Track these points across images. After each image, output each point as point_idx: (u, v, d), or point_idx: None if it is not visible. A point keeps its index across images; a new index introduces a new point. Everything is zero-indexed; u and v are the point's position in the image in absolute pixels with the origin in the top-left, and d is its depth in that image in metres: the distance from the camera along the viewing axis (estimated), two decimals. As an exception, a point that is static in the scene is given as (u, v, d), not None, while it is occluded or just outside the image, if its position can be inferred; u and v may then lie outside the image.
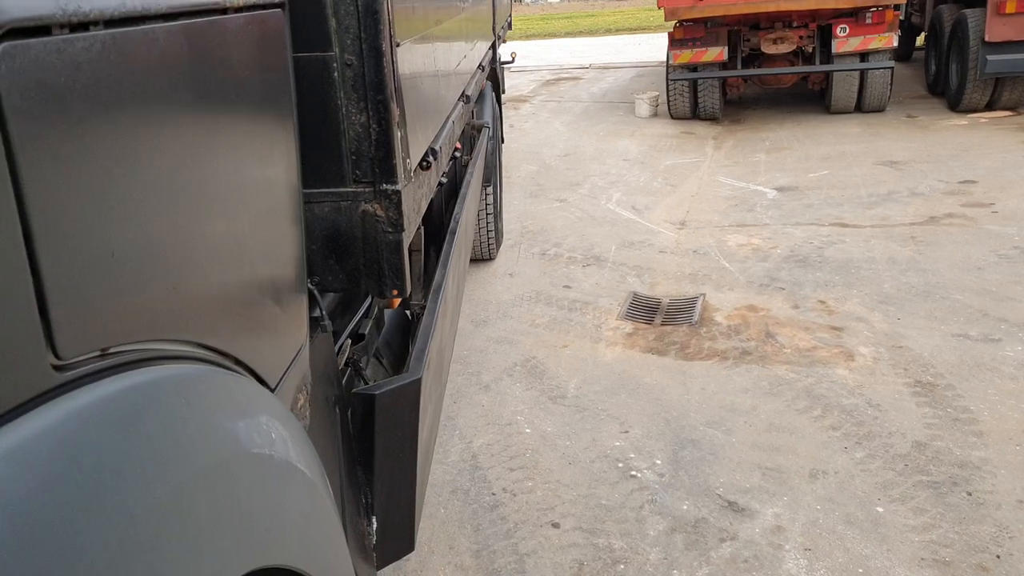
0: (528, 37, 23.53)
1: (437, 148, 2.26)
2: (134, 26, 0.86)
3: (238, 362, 1.10)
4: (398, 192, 1.67)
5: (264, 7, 1.26)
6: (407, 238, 1.75)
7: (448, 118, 2.80)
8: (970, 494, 2.94)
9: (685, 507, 3.00)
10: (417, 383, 1.98)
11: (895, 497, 2.95)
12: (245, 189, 1.17)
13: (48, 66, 0.72)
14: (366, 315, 2.45)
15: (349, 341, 2.21)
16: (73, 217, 0.76)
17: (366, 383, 2.19)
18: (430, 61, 2.35)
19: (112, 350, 0.82)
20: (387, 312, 2.86)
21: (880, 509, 2.90)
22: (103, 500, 0.70)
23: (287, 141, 1.37)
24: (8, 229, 0.67)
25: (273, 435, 1.05)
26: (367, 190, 1.67)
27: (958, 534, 2.75)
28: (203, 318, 1.02)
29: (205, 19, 1.04)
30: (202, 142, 1.03)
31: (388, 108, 1.62)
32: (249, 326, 1.17)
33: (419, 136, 2.02)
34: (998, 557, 2.63)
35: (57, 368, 0.74)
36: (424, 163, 2.04)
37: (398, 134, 1.68)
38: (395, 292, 1.70)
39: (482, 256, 5.55)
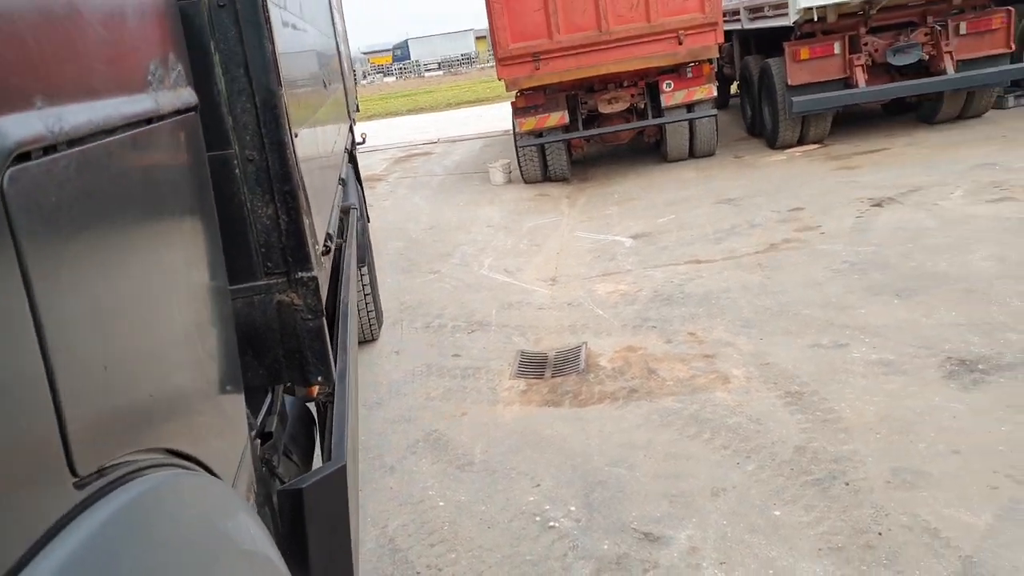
0: (371, 117, 23.87)
1: (332, 233, 2.35)
2: (96, 141, 0.90)
3: (201, 465, 1.12)
4: (314, 278, 1.72)
5: (184, 111, 1.32)
6: (334, 321, 1.81)
7: (333, 202, 2.90)
8: (848, 484, 3.27)
9: (606, 546, 3.16)
10: (342, 471, 1.98)
11: (788, 499, 3.25)
12: (189, 289, 1.21)
13: (43, 185, 0.75)
14: (269, 411, 2.46)
15: (258, 440, 2.21)
16: (77, 329, 0.78)
17: (281, 481, 2.19)
18: (315, 148, 2.45)
19: (108, 464, 0.83)
20: (288, 405, 2.87)
21: (777, 513, 3.18)
22: None
23: (215, 239, 1.42)
24: (27, 346, 0.69)
25: (252, 532, 1.11)
26: (280, 281, 1.70)
27: (844, 521, 3.06)
28: (168, 425, 1.04)
29: (144, 128, 1.08)
30: (158, 247, 1.07)
31: (296, 197, 1.67)
32: (204, 429, 1.19)
33: (319, 222, 2.11)
34: (880, 534, 2.95)
35: (76, 486, 0.76)
36: (325, 248, 2.12)
37: (306, 221, 1.75)
38: (320, 379, 1.75)
39: (365, 337, 5.60)
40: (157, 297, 1.07)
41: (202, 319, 1.27)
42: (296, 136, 1.85)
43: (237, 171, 1.66)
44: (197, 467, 1.11)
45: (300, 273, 1.71)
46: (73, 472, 0.76)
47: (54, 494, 0.73)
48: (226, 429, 1.35)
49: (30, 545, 0.67)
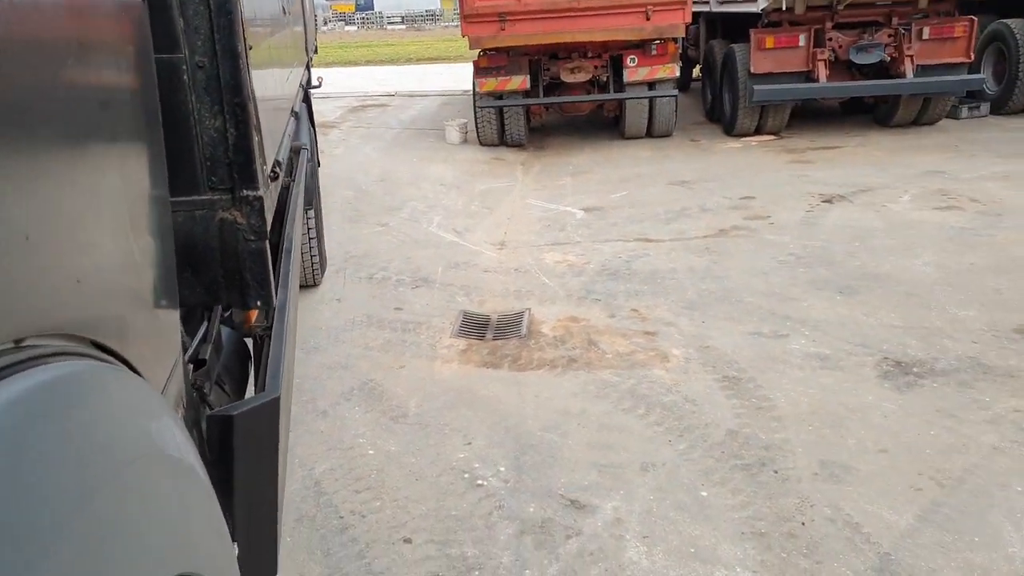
0: (329, 64, 23.26)
1: (281, 161, 2.24)
2: (33, 25, 0.85)
3: (129, 366, 1.07)
4: (260, 198, 1.63)
5: (129, 3, 1.23)
6: (279, 245, 1.72)
7: (284, 132, 2.77)
8: (776, 472, 3.30)
9: (531, 509, 3.13)
10: (275, 402, 1.94)
11: (716, 481, 3.26)
12: (127, 190, 1.15)
13: None
14: (204, 339, 2.37)
15: (191, 366, 2.13)
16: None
17: (210, 408, 2.12)
18: (269, 69, 2.33)
19: (26, 342, 0.80)
20: (224, 337, 2.76)
21: (704, 493, 3.19)
22: (49, 487, 0.69)
23: (158, 144, 1.34)
24: None
25: (177, 439, 1.04)
26: (224, 197, 1.62)
27: (769, 508, 3.08)
28: (96, 317, 1.00)
29: (86, 15, 1.02)
30: (96, 141, 1.01)
31: (246, 110, 1.59)
32: (134, 331, 1.14)
33: (268, 144, 2.00)
34: (803, 524, 2.98)
35: None
36: (273, 173, 2.02)
37: (256, 138, 1.65)
38: (259, 303, 1.67)
39: (307, 282, 5.44)
40: (92, 190, 1.01)
41: (139, 223, 1.20)
42: (250, 48, 1.73)
43: (185, 77, 1.55)
44: (123, 366, 1.05)
45: (245, 191, 1.61)
46: None
47: None
48: (158, 337, 1.29)
49: None
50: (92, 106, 1.06)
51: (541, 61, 10.09)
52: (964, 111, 10.56)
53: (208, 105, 1.58)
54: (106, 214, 1.07)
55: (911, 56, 9.28)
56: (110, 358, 1.01)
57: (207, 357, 2.33)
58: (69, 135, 0.96)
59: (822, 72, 9.39)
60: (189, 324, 2.28)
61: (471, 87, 10.63)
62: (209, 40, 1.55)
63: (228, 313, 2.75)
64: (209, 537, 1.13)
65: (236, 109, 1.59)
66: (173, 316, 1.42)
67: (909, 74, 9.29)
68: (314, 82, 7.87)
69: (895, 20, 9.42)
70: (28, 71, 0.86)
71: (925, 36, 9.29)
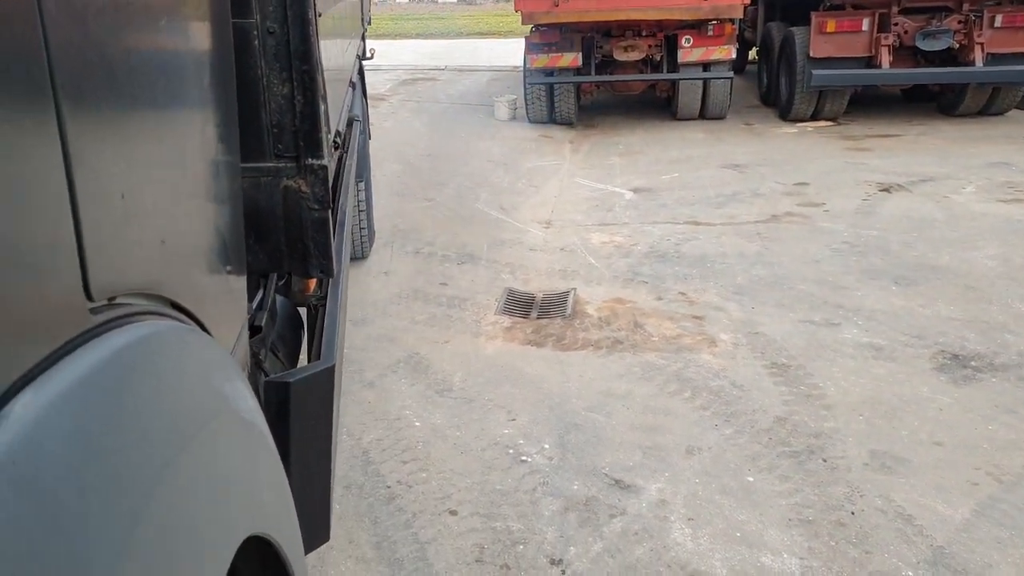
0: (380, 36, 23.28)
1: (341, 130, 2.24)
2: None
3: (204, 329, 1.09)
4: (324, 167, 1.63)
5: None
6: (335, 215, 1.73)
7: (344, 102, 2.78)
8: (825, 460, 3.25)
9: (575, 487, 3.13)
10: (331, 370, 1.96)
11: (762, 467, 3.22)
12: (204, 154, 1.16)
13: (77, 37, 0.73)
14: (260, 307, 2.40)
15: (247, 333, 2.16)
16: (99, 159, 0.77)
17: (265, 375, 2.15)
18: (334, 38, 2.33)
19: (119, 298, 0.81)
20: (279, 305, 2.80)
21: (751, 479, 3.15)
22: (144, 442, 0.70)
23: (232, 110, 1.34)
24: (54, 172, 0.69)
25: (249, 402, 1.05)
26: (290, 165, 1.62)
27: (818, 496, 3.04)
28: (177, 278, 1.01)
29: None
30: (179, 105, 1.03)
31: (314, 79, 1.58)
32: (209, 294, 1.16)
33: (333, 114, 2.00)
34: (852, 513, 2.93)
35: (92, 312, 0.73)
36: (335, 143, 2.02)
37: (322, 107, 1.65)
38: (320, 272, 1.68)
39: (355, 254, 5.48)
40: (175, 153, 1.03)
41: (215, 188, 1.21)
42: (320, 16, 1.72)
43: (256, 43, 1.55)
44: (196, 327, 1.07)
45: (310, 160, 1.61)
46: (88, 295, 0.74)
47: (70, 313, 0.71)
48: (228, 302, 1.31)
49: (43, 358, 0.66)
50: (177, 70, 1.07)
51: (594, 38, 9.95)
52: (1035, 102, 10.17)
53: (277, 72, 1.58)
54: (187, 177, 1.08)
55: (981, 44, 8.92)
56: (187, 319, 1.03)
57: (263, 325, 2.37)
58: (156, 99, 0.97)
59: (885, 58, 9.09)
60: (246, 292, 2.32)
61: (522, 63, 10.54)
62: (280, 6, 1.55)
63: (283, 282, 2.79)
64: (276, 499, 1.15)
65: (304, 77, 1.59)
66: (241, 282, 1.43)
67: (979, 62, 8.94)
68: (367, 54, 7.88)
69: (966, 6, 9.06)
70: (121, 37, 0.87)
71: (997, 24, 8.91)
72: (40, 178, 0.68)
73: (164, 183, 0.99)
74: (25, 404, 0.60)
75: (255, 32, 1.55)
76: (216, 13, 1.29)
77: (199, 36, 1.17)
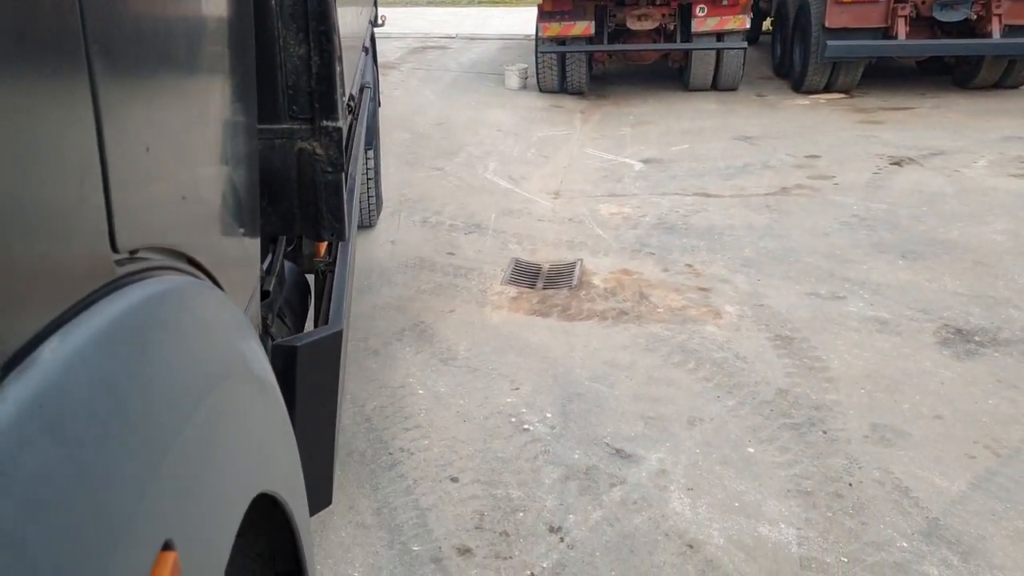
0: (390, 4, 23.03)
1: (355, 94, 2.24)
2: None
3: (219, 287, 1.10)
4: (339, 129, 1.62)
5: None
6: (346, 178, 1.73)
7: (356, 67, 2.76)
8: (825, 432, 3.27)
9: (576, 456, 3.16)
10: (339, 336, 1.98)
11: (763, 439, 3.24)
12: (223, 114, 1.17)
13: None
14: (268, 272, 2.42)
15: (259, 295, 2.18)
16: (127, 114, 0.79)
17: (272, 339, 2.17)
18: (347, 3, 2.32)
19: (142, 251, 0.83)
20: (287, 271, 2.82)
21: (751, 450, 3.18)
22: (166, 392, 0.72)
23: (251, 70, 1.34)
24: (85, 127, 0.71)
25: (262, 361, 1.07)
26: (304, 127, 1.61)
27: (817, 467, 3.06)
28: (196, 235, 1.03)
29: None
30: (201, 66, 1.04)
31: (331, 39, 1.57)
32: (225, 254, 1.17)
33: (347, 76, 1.99)
34: (850, 485, 2.96)
35: (117, 263, 0.75)
36: (350, 106, 2.01)
37: (338, 68, 1.64)
38: (332, 236, 1.68)
39: (363, 223, 5.49)
40: (197, 110, 1.05)
41: (233, 147, 1.22)
42: None
43: (273, 2, 1.53)
44: (216, 286, 1.09)
45: (325, 122, 1.60)
46: (114, 247, 0.76)
47: (97, 264, 0.73)
48: (243, 262, 1.32)
49: (70, 306, 0.68)
50: (199, 30, 1.08)
51: (607, 7, 9.83)
52: (1052, 74, 10.00)
53: (294, 32, 1.56)
54: (207, 137, 1.09)
55: (999, 15, 8.78)
56: (204, 277, 1.05)
57: (271, 289, 2.40)
58: (179, 59, 0.98)
59: (901, 29, 8.95)
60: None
61: (533, 31, 10.44)
62: None
63: (291, 247, 2.81)
64: (286, 458, 1.17)
65: (321, 37, 1.57)
66: (255, 244, 1.44)
67: (996, 34, 8.80)
68: (378, 20, 7.82)
69: (984, -24, 8.91)
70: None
71: None
72: (72, 133, 0.69)
73: (186, 142, 1.00)
74: (54, 349, 0.62)
75: None
76: None
77: None
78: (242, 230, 1.31)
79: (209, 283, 1.03)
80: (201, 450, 0.79)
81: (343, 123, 1.66)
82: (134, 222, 0.81)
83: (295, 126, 1.62)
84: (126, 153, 0.79)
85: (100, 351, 0.66)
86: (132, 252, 0.81)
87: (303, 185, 1.65)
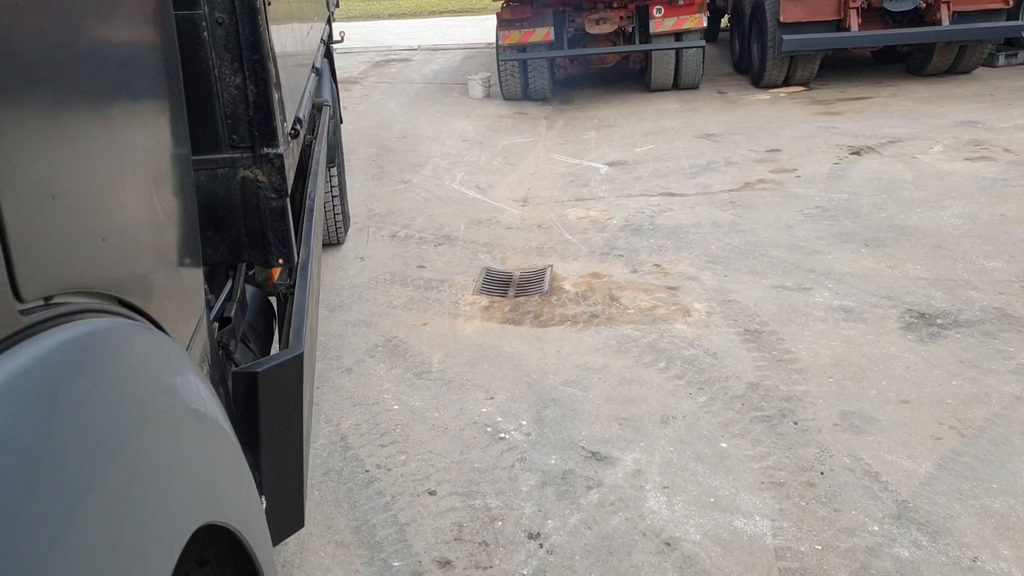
0: (351, 18, 23.02)
1: (301, 118, 2.25)
2: None
3: (154, 323, 1.11)
4: (280, 156, 1.65)
5: None
6: (303, 202, 1.74)
7: (305, 89, 2.78)
8: (796, 423, 3.32)
9: (553, 461, 3.19)
10: (299, 359, 1.98)
11: (736, 433, 3.29)
12: (149, 149, 1.17)
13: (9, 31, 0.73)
14: (229, 297, 2.42)
15: (216, 324, 2.18)
16: (25, 158, 0.77)
17: (236, 366, 2.17)
18: (289, 25, 2.33)
19: (54, 299, 0.82)
20: (249, 295, 2.82)
21: (724, 445, 3.22)
22: (81, 440, 0.72)
23: (179, 102, 1.35)
24: None
25: (202, 394, 1.08)
26: (246, 155, 1.63)
27: (789, 458, 3.11)
28: (121, 275, 1.02)
29: None
30: (118, 100, 1.03)
31: (266, 68, 1.59)
32: (159, 289, 1.17)
33: (288, 101, 2.01)
34: (822, 473, 3.01)
35: (22, 313, 0.74)
36: (293, 131, 2.03)
37: (276, 96, 1.66)
38: (280, 261, 1.70)
39: (330, 241, 5.49)
40: (115, 149, 1.03)
41: (162, 181, 1.22)
42: (269, 4, 1.73)
43: (205, 34, 1.55)
44: (149, 323, 1.09)
45: (266, 149, 1.63)
46: (18, 297, 0.75)
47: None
48: (182, 295, 1.32)
49: None
50: (113, 64, 1.07)
51: (566, 12, 9.91)
52: (1001, 59, 10.25)
53: (228, 62, 1.58)
54: (129, 173, 1.09)
55: (947, 3, 8.98)
56: (136, 315, 1.05)
57: (232, 315, 2.40)
58: (91, 94, 0.97)
59: (854, 20, 9.13)
60: (214, 283, 2.33)
61: (495, 40, 10.50)
62: None
63: (252, 272, 2.80)
64: (235, 489, 1.18)
65: (256, 66, 1.59)
66: (196, 274, 1.45)
67: (945, 21, 9.00)
68: (336, 37, 7.83)
69: (929, -35, 9.11)
70: (50, 30, 0.87)
71: None
72: None
73: (103, 180, 0.99)
74: None
75: (204, 23, 1.55)
76: (155, 3, 1.29)
77: (137, 29, 1.17)
78: (179, 263, 1.31)
79: (140, 321, 1.02)
80: (125, 492, 0.79)
81: (283, 149, 1.67)
82: (43, 269, 0.80)
83: (236, 155, 1.64)
84: (25, 200, 0.77)
85: (3, 404, 0.65)
86: (47, 299, 0.81)
87: (248, 213, 1.67)
